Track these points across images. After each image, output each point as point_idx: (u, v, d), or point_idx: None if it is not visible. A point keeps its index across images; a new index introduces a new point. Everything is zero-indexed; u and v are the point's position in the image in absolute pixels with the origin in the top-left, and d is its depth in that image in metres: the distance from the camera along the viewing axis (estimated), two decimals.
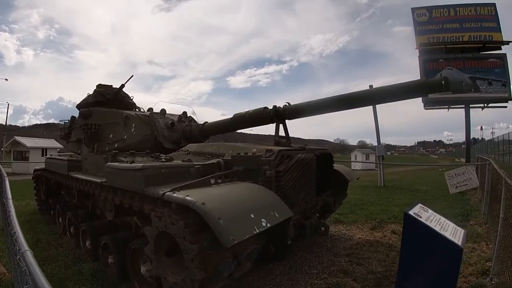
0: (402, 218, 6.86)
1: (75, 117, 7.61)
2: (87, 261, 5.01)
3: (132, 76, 7.02)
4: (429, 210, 3.86)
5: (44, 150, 26.76)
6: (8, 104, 46.40)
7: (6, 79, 33.66)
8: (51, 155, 9.66)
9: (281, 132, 4.84)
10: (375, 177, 16.87)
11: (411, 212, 3.56)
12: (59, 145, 26.97)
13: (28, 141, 28.68)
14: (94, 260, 4.99)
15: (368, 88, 5.35)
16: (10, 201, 2.77)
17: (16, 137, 30.05)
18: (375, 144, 17.55)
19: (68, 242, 6.09)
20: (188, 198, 2.74)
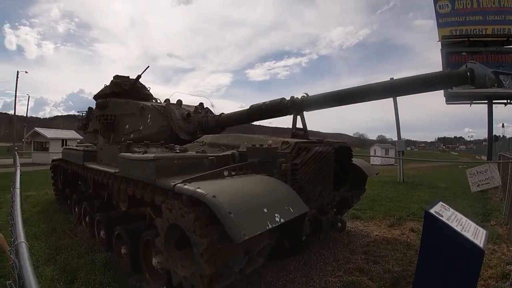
0: (421, 216, 6.73)
1: (92, 108, 7.69)
2: (100, 251, 5.04)
3: (148, 67, 7.02)
4: (450, 208, 3.70)
5: (64, 141, 27.30)
6: (29, 96, 47.60)
7: (26, 72, 34.56)
8: (68, 146, 9.81)
9: (299, 124, 4.71)
10: (394, 172, 16.57)
11: (432, 211, 3.40)
12: (79, 136, 27.50)
13: (48, 132, 29.41)
14: (107, 250, 5.02)
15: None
16: (17, 191, 2.74)
17: (36, 128, 30.90)
18: (395, 139, 17.19)
19: (83, 232, 6.15)
20: (199, 190, 2.65)
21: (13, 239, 1.68)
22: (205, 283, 2.76)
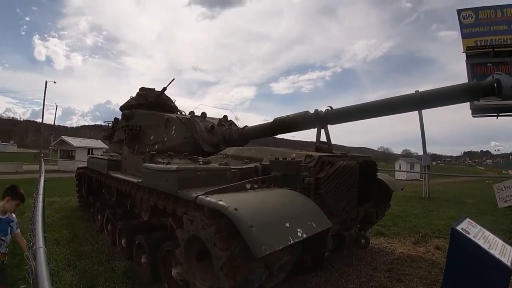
0: (447, 233, 6.49)
1: (118, 118, 7.85)
2: (120, 259, 5.09)
3: (173, 79, 7.14)
4: (477, 225, 3.57)
5: (90, 150, 28.04)
6: (57, 105, 49.42)
7: (54, 82, 35.89)
8: (93, 155, 10.05)
9: (323, 138, 4.64)
10: (419, 188, 16.16)
11: (458, 227, 3.28)
12: (105, 146, 28.17)
13: (74, 141, 30.35)
14: (128, 259, 5.06)
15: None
16: (40, 197, 2.78)
17: (63, 136, 31.94)
18: (420, 153, 16.78)
19: (104, 240, 6.24)
20: (220, 202, 2.61)
21: (31, 244, 1.68)
22: None
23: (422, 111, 14.68)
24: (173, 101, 7.60)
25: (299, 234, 2.62)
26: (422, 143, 15.91)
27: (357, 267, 4.95)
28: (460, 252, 3.19)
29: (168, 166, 3.65)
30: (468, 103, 19.36)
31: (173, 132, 5.85)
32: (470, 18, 21.76)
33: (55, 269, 4.59)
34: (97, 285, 4.20)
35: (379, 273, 4.75)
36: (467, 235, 3.19)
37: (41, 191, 3.08)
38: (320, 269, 4.69)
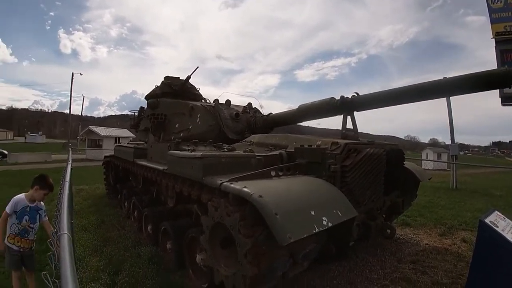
0: (474, 225, 6.32)
1: (143, 107, 7.98)
2: (146, 245, 5.20)
3: (197, 67, 7.16)
4: (506, 218, 3.44)
5: (116, 139, 28.74)
6: (84, 96, 50.64)
7: (80, 74, 36.70)
8: (120, 143, 10.26)
9: (349, 125, 4.55)
10: (447, 178, 15.72)
11: (486, 220, 3.17)
12: (131, 135, 28.77)
13: (101, 130, 31.16)
14: (153, 245, 5.16)
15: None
16: (67, 184, 2.84)
17: (90, 126, 32.82)
18: (448, 142, 16.26)
19: (131, 226, 6.39)
20: (245, 189, 2.60)
21: (55, 230, 1.71)
22: (246, 284, 2.72)
23: (451, 98, 14.18)
24: (198, 89, 7.64)
25: (324, 223, 2.60)
26: (450, 132, 15.39)
27: (381, 258, 4.89)
28: (488, 246, 3.10)
29: (193, 153, 3.67)
30: (497, 91, 18.56)
31: (198, 120, 5.88)
32: (499, 2, 20.67)
33: (82, 255, 4.75)
34: (123, 270, 4.30)
35: (404, 264, 4.67)
36: (495, 228, 3.09)
37: (67, 178, 3.15)
38: (344, 258, 4.65)
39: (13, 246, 3.42)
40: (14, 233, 3.43)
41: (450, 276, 4.27)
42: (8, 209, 3.41)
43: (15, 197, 3.51)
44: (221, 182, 2.94)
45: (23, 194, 3.57)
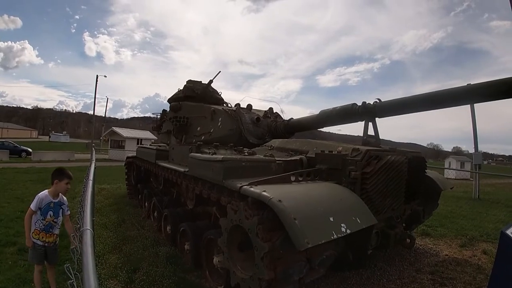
0: (495, 237, 6.16)
1: (166, 110, 8.12)
2: (165, 245, 5.28)
3: (220, 72, 7.25)
4: None
5: (139, 140, 29.29)
6: (107, 98, 52.01)
7: (105, 76, 37.67)
8: (142, 145, 10.46)
9: (370, 132, 4.51)
10: (469, 187, 15.24)
11: (508, 232, 3.06)
12: (153, 137, 29.28)
13: (124, 132, 31.86)
14: (171, 245, 5.24)
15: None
16: (90, 182, 2.93)
17: (114, 127, 33.57)
18: (472, 151, 15.77)
19: (150, 225, 6.50)
20: (264, 193, 2.63)
21: (79, 226, 1.77)
22: (262, 287, 2.74)
23: (475, 105, 13.80)
24: (220, 93, 7.74)
25: (343, 230, 2.59)
26: (474, 140, 14.87)
27: (400, 267, 4.82)
28: (509, 258, 2.99)
29: (214, 156, 3.71)
30: None
31: (219, 124, 5.94)
32: None
33: (102, 252, 4.86)
34: (141, 268, 4.38)
35: (422, 275, 4.59)
36: None
37: (91, 177, 3.24)
38: (362, 267, 4.59)
39: (37, 241, 3.52)
40: (39, 229, 3.52)
41: None
42: (33, 206, 3.50)
43: (39, 194, 3.60)
44: (241, 185, 2.98)
45: (46, 190, 3.66)
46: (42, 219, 3.54)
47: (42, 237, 3.54)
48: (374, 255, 4.90)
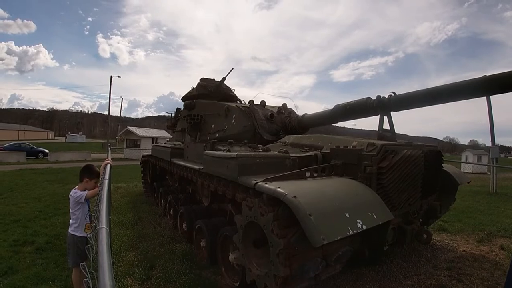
0: None
1: (180, 109, 8.17)
2: (181, 242, 5.34)
3: (232, 69, 7.26)
4: None
5: (154, 139, 29.61)
6: (122, 98, 52.76)
7: (119, 77, 38.35)
8: (157, 143, 10.57)
9: (386, 126, 4.44)
10: (486, 182, 14.95)
11: None
12: (168, 135, 29.52)
13: (139, 131, 32.21)
14: (187, 242, 5.29)
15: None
16: (106, 181, 2.96)
17: (129, 127, 34.02)
18: (488, 144, 15.39)
19: (167, 223, 6.58)
20: (279, 189, 2.62)
21: (94, 224, 1.79)
22: (278, 284, 2.73)
23: (491, 98, 13.46)
24: (233, 90, 7.76)
25: (359, 226, 2.57)
26: (491, 133, 14.50)
27: (416, 263, 4.76)
28: None
29: (228, 153, 3.72)
30: None
31: (233, 121, 5.96)
32: None
33: (119, 250, 4.94)
34: (157, 265, 4.44)
35: (439, 271, 4.53)
36: None
37: (106, 176, 3.27)
38: (378, 263, 4.56)
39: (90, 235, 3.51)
40: (89, 223, 3.39)
41: (486, 284, 4.12)
42: (82, 198, 3.47)
43: (78, 191, 3.55)
44: (255, 182, 2.97)
45: (76, 187, 3.63)
46: (88, 210, 3.51)
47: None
48: (391, 251, 4.86)
